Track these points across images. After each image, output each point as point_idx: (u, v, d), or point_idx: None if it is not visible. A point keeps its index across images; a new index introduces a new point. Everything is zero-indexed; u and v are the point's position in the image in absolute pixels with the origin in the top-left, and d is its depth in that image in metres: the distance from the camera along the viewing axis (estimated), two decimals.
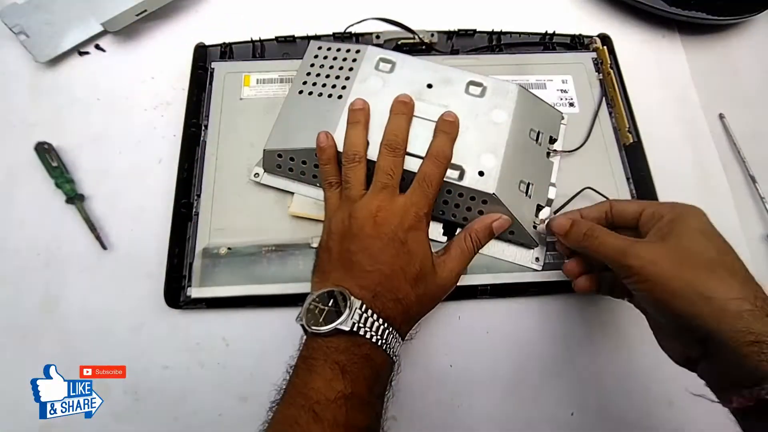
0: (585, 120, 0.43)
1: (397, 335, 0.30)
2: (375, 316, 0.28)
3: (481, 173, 0.34)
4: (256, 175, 0.39)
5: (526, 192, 0.36)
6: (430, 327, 0.38)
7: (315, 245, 0.38)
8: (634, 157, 0.42)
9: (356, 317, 0.28)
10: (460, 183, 0.34)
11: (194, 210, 0.39)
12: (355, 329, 0.28)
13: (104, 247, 0.39)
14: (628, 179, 0.41)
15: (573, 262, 0.34)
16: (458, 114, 0.36)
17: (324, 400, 0.26)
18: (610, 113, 0.44)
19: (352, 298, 0.29)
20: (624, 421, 0.36)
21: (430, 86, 0.37)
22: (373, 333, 0.28)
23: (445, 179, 0.34)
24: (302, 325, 0.29)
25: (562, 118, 0.41)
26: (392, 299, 0.30)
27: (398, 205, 0.32)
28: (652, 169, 0.41)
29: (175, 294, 0.37)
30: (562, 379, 0.37)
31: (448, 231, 0.38)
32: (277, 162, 0.38)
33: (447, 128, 0.35)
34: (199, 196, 0.40)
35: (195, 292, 0.36)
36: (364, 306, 0.28)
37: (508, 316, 0.38)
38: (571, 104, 0.44)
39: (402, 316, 0.30)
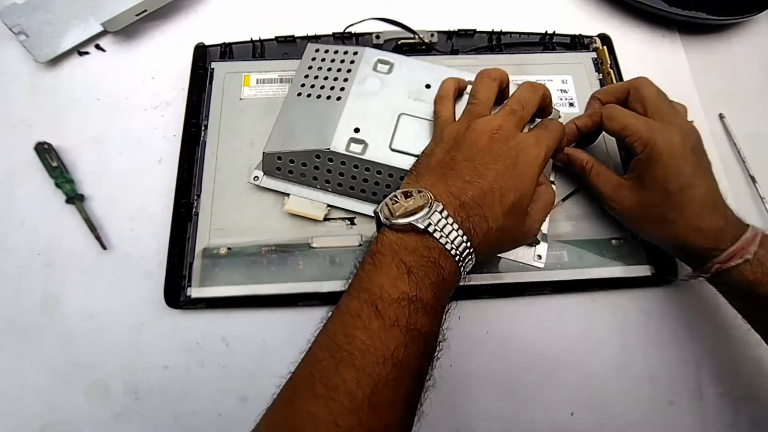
0: None
1: (472, 252, 0.29)
2: (455, 225, 0.27)
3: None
4: (256, 178, 0.39)
5: None
6: None
7: (315, 245, 0.38)
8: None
9: (434, 219, 0.27)
10: None
11: (194, 210, 0.39)
12: (430, 230, 0.27)
13: (104, 247, 0.39)
14: None
15: None
16: (457, 112, 0.36)
17: (387, 298, 0.26)
18: None
19: (435, 201, 0.28)
20: (624, 421, 0.36)
21: (428, 86, 0.37)
22: (447, 240, 0.27)
23: None
24: (376, 214, 0.29)
25: (559, 116, 0.41)
26: (479, 216, 0.29)
27: (521, 134, 0.31)
28: None
29: (175, 294, 0.37)
30: (562, 379, 0.37)
31: None
32: (277, 164, 0.38)
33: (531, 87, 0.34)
34: (199, 196, 0.40)
35: (195, 292, 0.36)
36: (446, 212, 0.27)
37: (508, 316, 0.38)
38: (571, 104, 0.44)
39: (483, 236, 0.29)
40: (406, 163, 0.35)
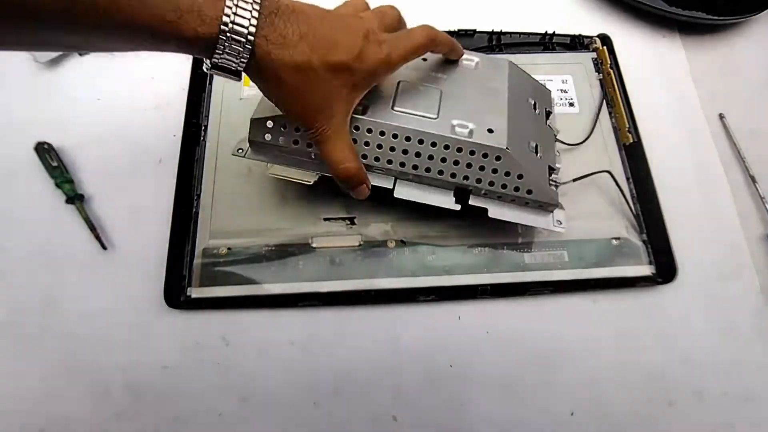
0: (585, 120, 0.43)
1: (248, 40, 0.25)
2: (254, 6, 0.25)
3: (490, 130, 0.33)
4: (240, 150, 0.36)
5: (536, 152, 0.35)
6: (430, 327, 0.38)
7: (315, 245, 0.38)
8: (634, 157, 0.42)
9: None
10: (471, 140, 0.32)
11: (194, 210, 0.39)
12: None
13: (104, 247, 0.39)
14: (628, 179, 0.41)
15: None
16: (457, 82, 0.35)
17: None
18: (610, 113, 0.44)
19: None
20: (624, 421, 0.36)
21: (425, 60, 0.36)
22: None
23: (454, 136, 0.32)
24: None
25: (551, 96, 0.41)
26: (286, 20, 0.26)
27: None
28: (652, 169, 0.41)
29: (175, 294, 0.37)
30: (562, 378, 0.37)
31: (461, 198, 0.35)
32: (266, 131, 0.34)
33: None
34: (199, 196, 0.40)
35: (195, 292, 0.37)
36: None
37: (508, 316, 0.38)
38: (571, 104, 0.44)
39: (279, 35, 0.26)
40: (409, 122, 0.33)
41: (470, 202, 0.35)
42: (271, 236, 0.38)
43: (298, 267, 0.37)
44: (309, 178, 0.35)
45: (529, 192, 0.34)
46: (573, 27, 0.48)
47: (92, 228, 0.39)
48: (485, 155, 0.33)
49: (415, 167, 0.34)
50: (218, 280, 0.37)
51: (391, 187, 0.35)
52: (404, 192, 0.35)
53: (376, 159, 0.34)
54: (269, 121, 0.34)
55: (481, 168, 0.33)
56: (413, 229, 0.39)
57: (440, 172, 0.34)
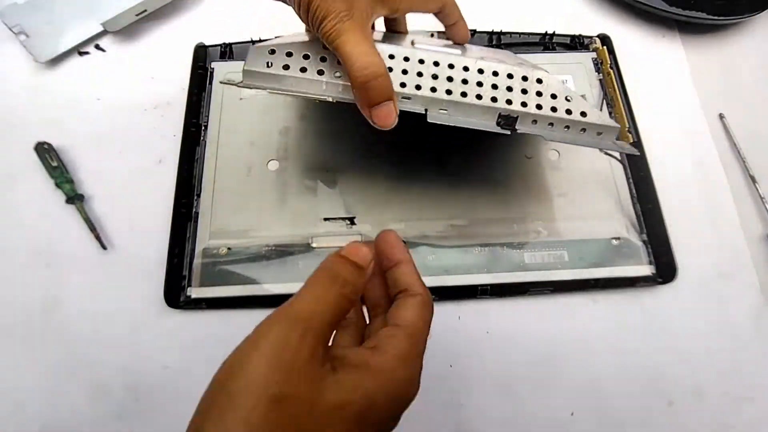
0: None
1: None
2: None
3: (520, 64, 0.31)
4: (230, 80, 0.32)
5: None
6: (430, 327, 0.38)
7: (315, 245, 0.38)
8: (634, 157, 0.42)
9: None
10: (507, 64, 0.30)
11: (194, 210, 0.39)
12: None
13: (104, 247, 0.39)
14: (628, 179, 0.41)
15: None
16: (469, 50, 0.34)
17: None
18: (610, 113, 0.44)
19: None
20: (624, 421, 0.36)
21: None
22: None
23: (490, 61, 0.30)
24: None
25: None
26: None
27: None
28: (652, 169, 0.41)
29: (175, 294, 0.37)
30: (562, 379, 0.37)
31: (506, 123, 0.31)
32: (267, 59, 0.30)
33: None
34: (199, 196, 0.40)
35: (195, 292, 0.37)
36: None
37: (508, 316, 0.38)
38: None
39: None
40: (435, 49, 0.30)
41: (518, 129, 0.30)
42: (271, 236, 0.38)
43: (298, 267, 0.37)
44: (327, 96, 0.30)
45: (583, 114, 0.30)
46: (573, 27, 0.48)
47: (92, 228, 0.39)
48: (525, 78, 0.30)
49: (448, 92, 0.29)
50: (218, 280, 0.37)
51: (423, 112, 0.30)
52: (439, 116, 0.30)
53: (402, 85, 0.29)
54: (272, 48, 0.30)
55: (524, 91, 0.30)
56: (413, 229, 0.39)
57: (479, 97, 0.30)
